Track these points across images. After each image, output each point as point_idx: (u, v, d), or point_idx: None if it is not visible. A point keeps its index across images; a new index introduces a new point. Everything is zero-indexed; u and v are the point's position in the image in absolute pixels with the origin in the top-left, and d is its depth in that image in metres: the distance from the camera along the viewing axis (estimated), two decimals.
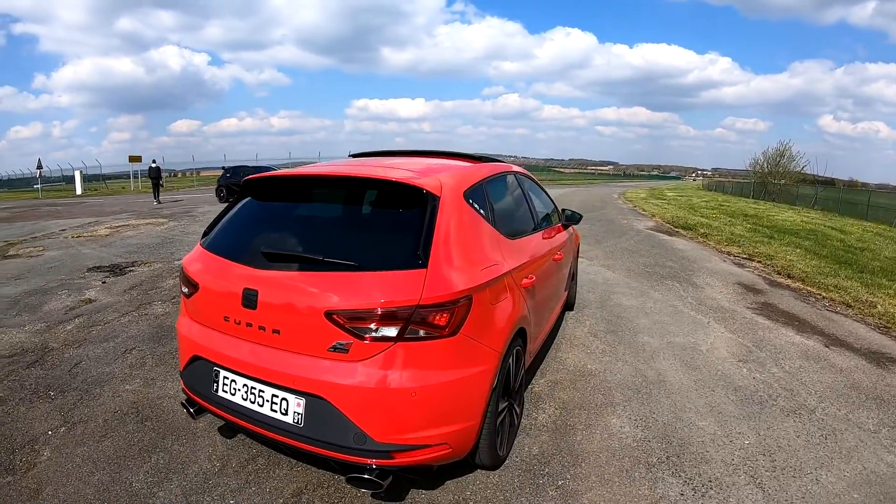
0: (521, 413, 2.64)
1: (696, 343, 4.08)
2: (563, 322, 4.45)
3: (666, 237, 10.18)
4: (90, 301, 5.05)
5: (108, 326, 4.32)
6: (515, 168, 3.37)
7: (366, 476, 1.79)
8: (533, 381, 3.29)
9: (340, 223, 2.17)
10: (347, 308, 1.77)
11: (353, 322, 1.77)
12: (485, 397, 1.99)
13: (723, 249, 8.78)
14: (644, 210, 15.91)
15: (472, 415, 1.96)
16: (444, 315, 1.80)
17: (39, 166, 27.33)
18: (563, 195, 20.82)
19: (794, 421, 2.88)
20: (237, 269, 2.02)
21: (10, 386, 3.19)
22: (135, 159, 30.43)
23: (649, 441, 2.60)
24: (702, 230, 10.90)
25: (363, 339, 1.77)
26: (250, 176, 2.39)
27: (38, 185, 27.86)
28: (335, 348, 1.81)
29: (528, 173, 3.74)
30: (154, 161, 19.96)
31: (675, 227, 11.59)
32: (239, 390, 2.02)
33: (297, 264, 1.92)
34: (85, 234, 9.76)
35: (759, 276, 6.82)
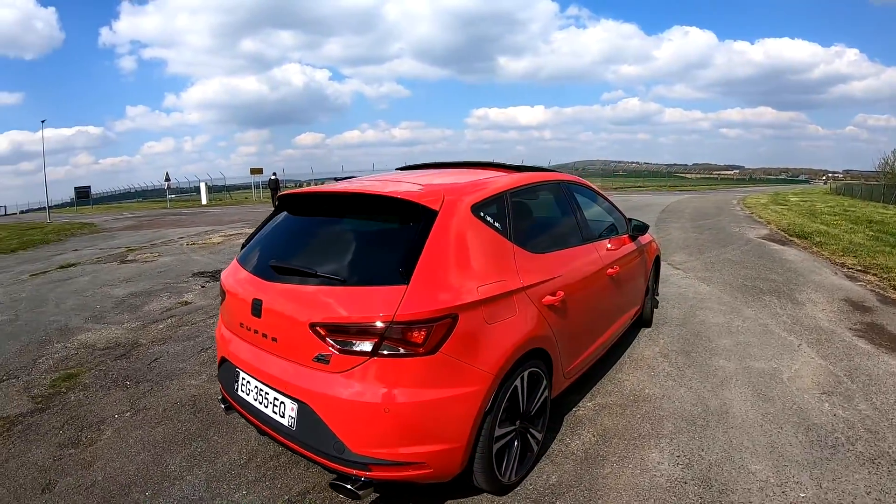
0: (542, 438, 2.52)
1: (777, 369, 3.61)
2: (636, 340, 4.21)
3: (777, 247, 9.15)
4: (186, 303, 5.80)
5: (193, 327, 4.94)
6: (565, 177, 3.30)
7: (346, 485, 1.87)
8: (580, 402, 3.15)
9: (340, 238, 2.28)
10: (327, 321, 1.89)
11: (333, 335, 1.88)
12: (471, 420, 1.94)
13: (836, 260, 7.69)
14: (760, 217, 14.40)
15: (455, 437, 1.93)
16: (421, 333, 1.82)
17: (167, 179, 31.96)
18: (678, 202, 19.51)
19: (869, 472, 2.39)
20: (252, 280, 2.27)
21: (96, 375, 3.80)
22: (256, 171, 34.34)
23: (685, 483, 2.34)
24: (817, 238, 9.73)
25: (341, 351, 1.87)
26: (283, 192, 2.66)
27: (168, 196, 32.52)
28: (318, 359, 1.93)
29: (585, 182, 3.64)
30: (274, 173, 22.95)
31: (790, 236, 10.41)
32: (251, 391, 2.23)
33: (296, 277, 2.09)
34: (199, 242, 11.20)
35: (871, 291, 5.87)
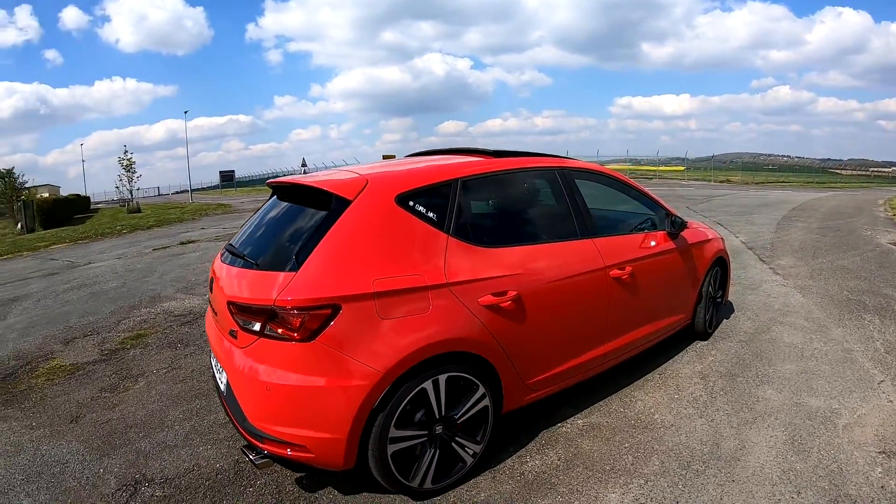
0: (479, 450, 2.46)
1: (835, 411, 3.01)
2: (680, 354, 3.85)
3: None
4: None
5: None
6: (564, 163, 3.08)
7: (249, 454, 2.14)
8: (571, 418, 3.00)
9: (274, 226, 2.53)
10: (234, 299, 2.17)
11: (238, 313, 2.15)
12: (351, 414, 2.01)
13: None
14: None
15: (334, 428, 2.02)
16: (297, 319, 1.98)
17: (303, 164, 35.75)
18: (817, 200, 16.71)
19: None
20: (218, 262, 2.67)
21: (159, 337, 4.68)
22: (388, 157, 37.11)
23: None
24: None
25: (242, 328, 2.14)
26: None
27: None
28: (231, 333, 2.24)
29: (602, 168, 3.40)
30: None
31: None
32: (212, 362, 2.70)
33: (237, 259, 2.41)
34: None
35: None
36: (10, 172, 30.72)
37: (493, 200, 2.84)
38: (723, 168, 43.07)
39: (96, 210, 31.51)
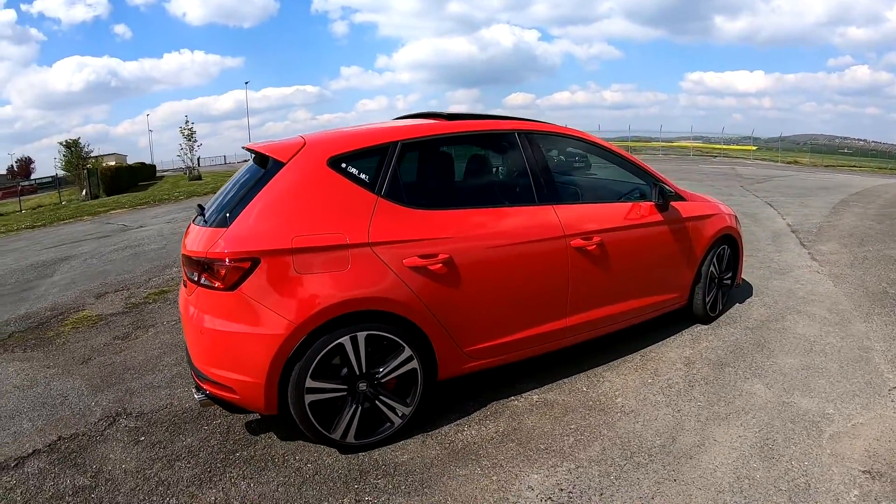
0: (409, 412, 2.66)
1: (828, 416, 2.80)
2: (673, 337, 3.83)
3: None
4: None
5: None
6: (528, 125, 3.16)
7: (195, 392, 2.57)
8: (526, 392, 3.10)
9: (233, 188, 2.82)
10: (187, 252, 2.56)
11: (188, 264, 2.54)
12: (267, 361, 2.31)
13: None
14: None
15: (253, 373, 2.35)
16: (221, 270, 2.33)
17: None
18: (882, 186, 14.86)
19: None
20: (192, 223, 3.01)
21: (178, 293, 5.28)
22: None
23: None
24: None
25: (188, 278, 2.54)
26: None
27: None
28: (183, 283, 2.70)
29: (577, 132, 3.43)
30: None
31: None
32: None
33: (199, 220, 2.77)
34: None
35: None
36: (75, 142, 33.76)
37: (438, 164, 3.04)
38: (794, 149, 40.54)
39: (161, 177, 34.15)
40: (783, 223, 8.14)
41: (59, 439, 2.81)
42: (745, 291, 4.75)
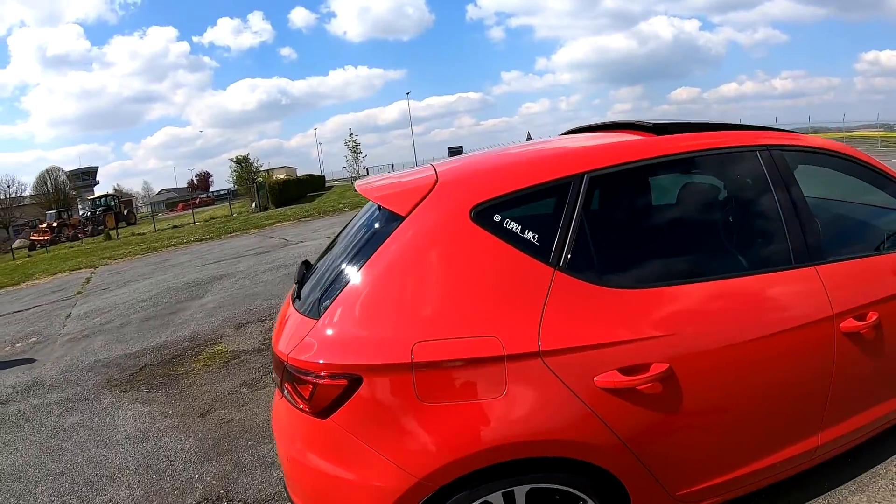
0: None
1: None
2: None
3: None
4: None
5: None
6: (772, 138, 2.16)
7: None
8: None
9: (347, 249, 2.15)
10: (273, 344, 1.97)
11: (273, 359, 1.91)
12: None
13: None
14: None
15: None
16: (306, 387, 1.67)
17: (529, 138, 37.23)
18: None
19: None
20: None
21: None
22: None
23: None
24: None
25: (275, 381, 1.96)
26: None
27: None
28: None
29: (838, 146, 2.35)
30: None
31: None
32: None
33: (296, 292, 2.18)
34: None
35: None
36: (245, 158, 38.11)
37: (645, 208, 2.20)
38: None
39: (330, 188, 37.15)
40: None
41: None
42: None
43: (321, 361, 1.64)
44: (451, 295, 1.68)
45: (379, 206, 1.94)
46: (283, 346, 1.77)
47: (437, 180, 1.83)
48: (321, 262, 2.20)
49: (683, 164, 2.08)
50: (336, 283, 1.81)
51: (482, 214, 1.74)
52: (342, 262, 1.93)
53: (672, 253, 2.05)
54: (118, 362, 4.90)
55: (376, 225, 1.93)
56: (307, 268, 2.27)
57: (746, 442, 1.96)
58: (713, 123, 2.19)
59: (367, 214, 2.13)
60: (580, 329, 1.67)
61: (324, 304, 1.76)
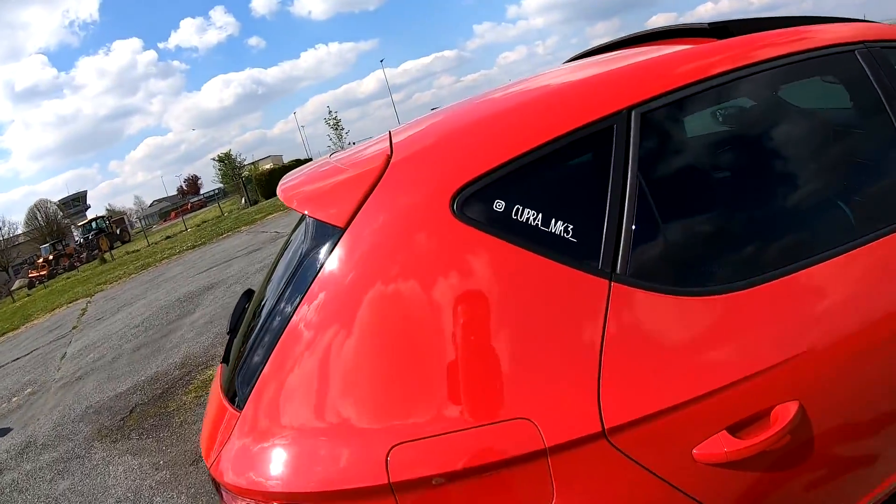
0: None
1: None
2: None
3: None
4: None
5: None
6: (880, 31, 1.43)
7: None
8: None
9: (278, 287, 1.38)
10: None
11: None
12: None
13: None
14: None
15: None
16: None
17: None
18: None
19: None
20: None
21: None
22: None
23: None
24: None
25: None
26: None
27: None
28: None
29: None
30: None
31: None
32: None
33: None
34: None
35: None
36: (227, 155, 37.19)
37: (729, 151, 1.45)
38: None
39: None
40: None
41: None
42: None
43: (239, 482, 1.02)
44: (437, 354, 0.96)
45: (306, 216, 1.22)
46: (207, 450, 1.18)
47: (389, 158, 1.09)
48: (260, 294, 1.50)
49: (769, 78, 1.29)
50: (259, 344, 1.17)
51: (473, 203, 1.03)
52: (268, 307, 1.28)
53: (785, 218, 1.27)
54: (109, 406, 4.55)
55: (304, 247, 1.20)
56: (248, 297, 1.64)
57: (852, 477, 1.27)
58: (775, 18, 1.42)
59: (301, 228, 1.37)
60: (665, 375, 0.98)
61: (246, 385, 1.11)
